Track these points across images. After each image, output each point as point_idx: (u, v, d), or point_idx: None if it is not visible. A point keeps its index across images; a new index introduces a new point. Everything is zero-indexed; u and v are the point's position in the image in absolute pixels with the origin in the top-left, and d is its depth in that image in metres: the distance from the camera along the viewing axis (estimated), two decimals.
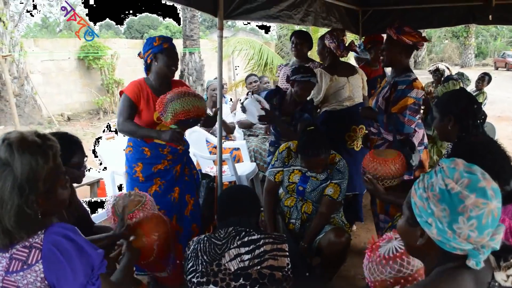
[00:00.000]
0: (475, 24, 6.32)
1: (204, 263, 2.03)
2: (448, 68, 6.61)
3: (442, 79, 6.25)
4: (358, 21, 5.68)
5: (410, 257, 1.70)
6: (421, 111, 3.27)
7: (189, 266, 2.09)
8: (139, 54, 3.16)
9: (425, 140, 3.42)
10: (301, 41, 4.31)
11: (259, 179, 4.79)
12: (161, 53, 3.01)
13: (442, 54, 31.44)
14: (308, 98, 3.71)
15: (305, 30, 6.78)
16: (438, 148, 5.22)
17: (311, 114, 3.70)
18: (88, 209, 3.57)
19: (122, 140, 3.82)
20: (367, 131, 3.65)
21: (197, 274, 2.03)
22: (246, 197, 2.29)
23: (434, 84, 6.67)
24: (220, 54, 3.78)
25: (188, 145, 3.31)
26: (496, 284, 1.25)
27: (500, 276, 1.26)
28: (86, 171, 4.50)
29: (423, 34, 3.13)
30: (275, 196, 3.20)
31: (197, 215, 3.32)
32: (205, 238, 2.12)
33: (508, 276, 1.26)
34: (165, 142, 3.02)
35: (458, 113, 2.38)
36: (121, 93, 3.14)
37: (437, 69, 6.61)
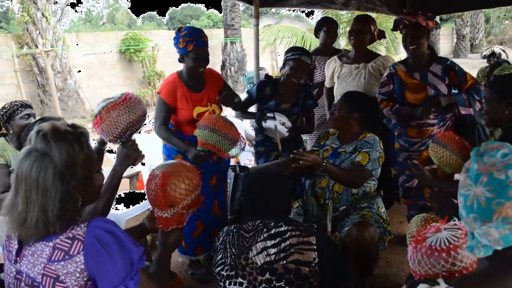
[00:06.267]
0: None
1: (233, 256, 2.00)
2: (504, 51, 5.98)
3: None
4: (405, 2, 5.31)
5: (464, 249, 1.53)
6: None
7: (218, 258, 2.06)
8: None
9: None
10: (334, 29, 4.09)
11: None
12: (186, 56, 3.01)
13: (502, 36, 28.90)
14: None
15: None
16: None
17: (314, 99, 3.54)
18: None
19: None
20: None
21: (226, 267, 2.01)
22: (275, 187, 2.18)
23: (488, 71, 5.71)
24: (256, 44, 3.68)
25: None
26: None
27: None
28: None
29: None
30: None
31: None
32: (234, 230, 2.09)
33: None
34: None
35: None
36: (159, 92, 3.13)
37: (493, 53, 5.95)
